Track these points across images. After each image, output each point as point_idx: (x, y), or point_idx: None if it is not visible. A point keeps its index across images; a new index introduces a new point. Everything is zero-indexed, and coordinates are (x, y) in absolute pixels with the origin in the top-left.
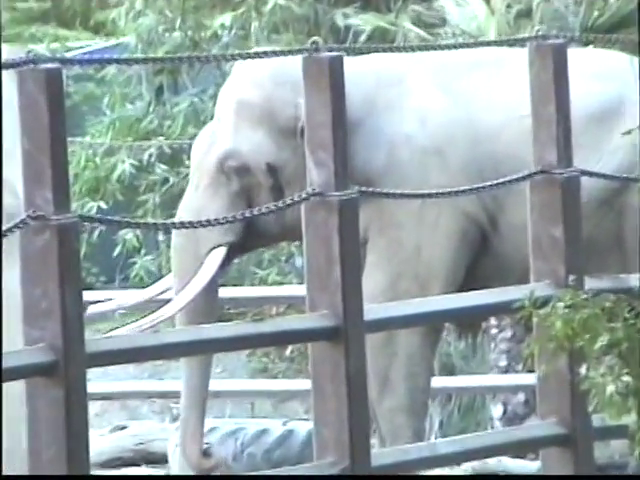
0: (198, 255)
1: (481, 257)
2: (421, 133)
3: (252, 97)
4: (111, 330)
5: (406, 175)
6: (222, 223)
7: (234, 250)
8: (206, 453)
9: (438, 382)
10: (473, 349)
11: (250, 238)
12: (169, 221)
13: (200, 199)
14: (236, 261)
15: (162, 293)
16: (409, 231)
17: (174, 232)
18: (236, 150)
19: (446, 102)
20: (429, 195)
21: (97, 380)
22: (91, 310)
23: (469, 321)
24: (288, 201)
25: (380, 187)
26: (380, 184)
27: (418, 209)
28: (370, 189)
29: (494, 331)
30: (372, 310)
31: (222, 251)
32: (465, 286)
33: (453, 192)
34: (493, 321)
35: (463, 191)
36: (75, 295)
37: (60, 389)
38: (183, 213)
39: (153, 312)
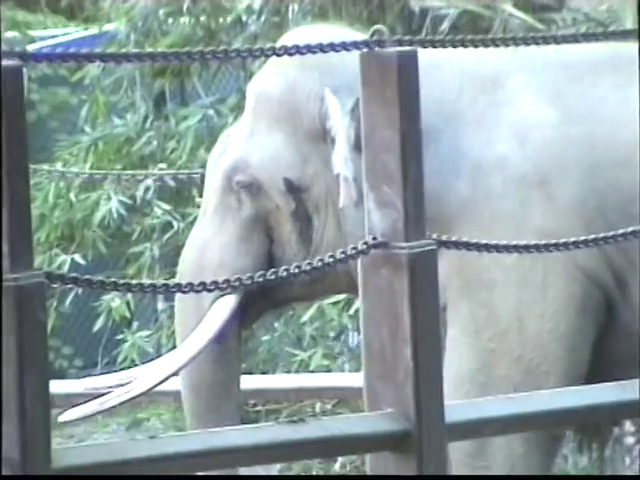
0: (200, 309)
1: (606, 334)
2: (519, 156)
3: (272, 88)
4: (87, 426)
5: (496, 213)
6: (234, 286)
7: (254, 303)
8: None
9: None
10: (600, 466)
11: (275, 288)
12: (172, 282)
13: (206, 230)
14: (265, 338)
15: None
16: (504, 293)
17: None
18: (245, 161)
19: (555, 115)
20: (536, 247)
21: None
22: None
23: (594, 426)
24: (338, 255)
25: (458, 229)
26: (458, 225)
27: (514, 264)
28: (453, 239)
29: (630, 441)
30: (457, 409)
31: (230, 300)
32: (589, 375)
33: (571, 243)
34: (628, 426)
35: (586, 242)
36: (39, 385)
37: None
38: (187, 250)
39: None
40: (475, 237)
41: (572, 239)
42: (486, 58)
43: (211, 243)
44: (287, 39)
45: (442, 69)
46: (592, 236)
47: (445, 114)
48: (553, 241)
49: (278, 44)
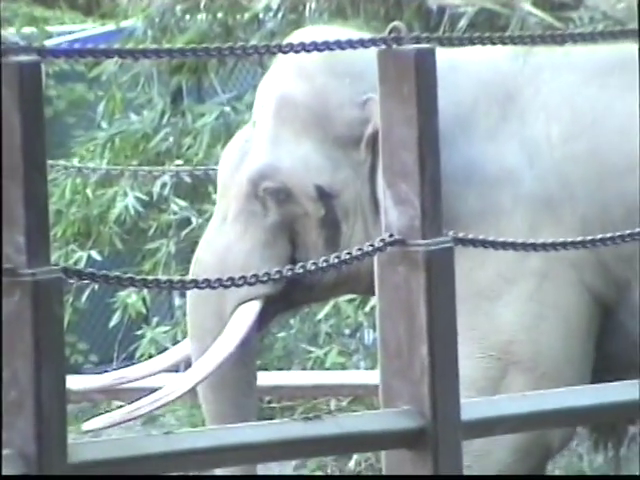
0: (222, 311)
1: (611, 344)
2: (528, 175)
3: (298, 93)
4: (98, 416)
5: (503, 230)
6: (263, 281)
7: (273, 306)
8: None
9: None
10: (615, 465)
11: (295, 290)
12: (188, 278)
13: (227, 235)
14: (281, 335)
15: (176, 364)
16: (507, 305)
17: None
18: (274, 167)
19: (561, 132)
20: (542, 246)
21: None
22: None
23: (609, 425)
24: (354, 252)
25: None
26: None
27: (520, 278)
28: (469, 236)
29: None
30: (472, 406)
31: (255, 306)
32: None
33: (588, 241)
34: None
35: (603, 240)
36: (55, 381)
37: None
38: (204, 254)
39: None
40: (482, 253)
41: (589, 237)
42: (499, 66)
43: (234, 249)
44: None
45: (459, 72)
46: (612, 234)
47: (461, 119)
48: (569, 240)
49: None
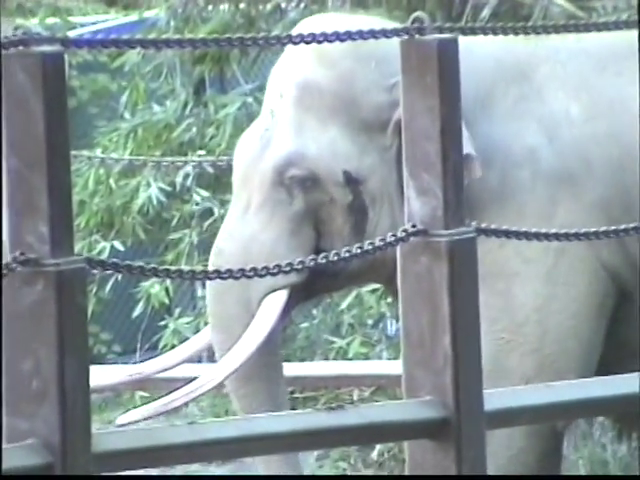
0: (247, 302)
1: (623, 326)
2: (548, 152)
3: (321, 79)
4: (126, 412)
5: (524, 209)
6: (286, 271)
7: (296, 294)
8: None
9: None
10: (639, 455)
11: (320, 278)
12: (211, 269)
13: (251, 224)
14: (303, 325)
15: (196, 355)
16: (524, 285)
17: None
18: (300, 154)
19: (580, 111)
20: (565, 236)
21: None
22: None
23: (633, 415)
24: (377, 242)
25: (487, 219)
26: (487, 215)
27: (537, 258)
28: (492, 226)
29: None
30: (495, 396)
31: (283, 296)
32: (605, 366)
33: (612, 231)
34: None
35: (626, 230)
36: (78, 370)
37: None
38: (227, 244)
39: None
40: None
41: (612, 227)
42: (513, 47)
43: (260, 238)
44: (302, 28)
45: (475, 55)
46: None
47: (480, 101)
48: (592, 230)
49: (294, 32)
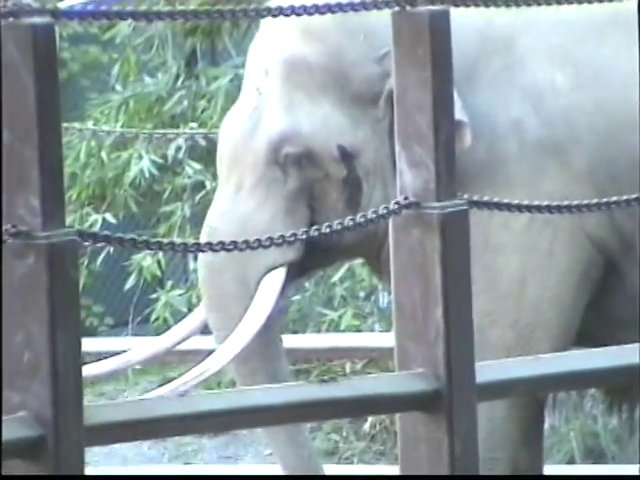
0: (245, 281)
1: (611, 297)
2: (534, 122)
3: (309, 54)
4: (117, 384)
5: (511, 178)
6: (278, 244)
7: (292, 272)
8: None
9: (583, 470)
10: (630, 428)
11: (313, 254)
12: (204, 241)
13: (246, 204)
14: (295, 298)
15: (189, 337)
16: (509, 257)
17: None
18: (294, 132)
19: (565, 81)
20: (557, 208)
21: (99, 464)
22: (91, 370)
23: (624, 387)
24: (370, 215)
25: (475, 190)
26: (475, 187)
27: (523, 229)
28: (485, 199)
29: None
30: (487, 369)
31: (281, 273)
32: (592, 337)
33: (603, 203)
34: None
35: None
36: (70, 344)
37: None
38: (220, 224)
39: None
40: None
41: (599, 201)
42: (494, 18)
43: (255, 217)
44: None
45: (456, 25)
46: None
47: (466, 72)
48: (585, 202)
49: (286, 3)
